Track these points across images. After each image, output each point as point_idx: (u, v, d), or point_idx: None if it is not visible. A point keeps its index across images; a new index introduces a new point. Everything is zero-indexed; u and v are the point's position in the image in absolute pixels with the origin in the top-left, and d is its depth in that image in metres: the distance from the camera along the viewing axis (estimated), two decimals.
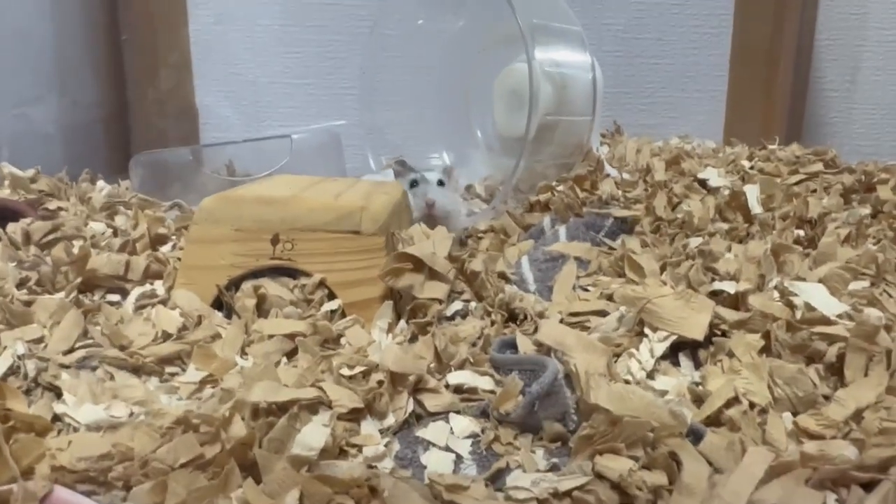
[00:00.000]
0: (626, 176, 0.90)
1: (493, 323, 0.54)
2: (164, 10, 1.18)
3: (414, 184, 0.80)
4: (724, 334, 0.50)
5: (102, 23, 1.16)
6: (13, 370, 0.46)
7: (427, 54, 1.05)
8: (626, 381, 0.47)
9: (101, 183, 0.99)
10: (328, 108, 1.21)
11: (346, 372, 0.42)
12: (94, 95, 1.16)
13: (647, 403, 0.37)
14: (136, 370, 0.47)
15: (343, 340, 0.52)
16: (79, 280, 0.56)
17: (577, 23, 0.88)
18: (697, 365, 0.49)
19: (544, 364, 0.41)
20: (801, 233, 0.66)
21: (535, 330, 0.55)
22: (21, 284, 0.56)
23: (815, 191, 0.78)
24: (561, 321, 0.57)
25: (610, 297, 0.60)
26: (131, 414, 0.41)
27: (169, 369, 0.48)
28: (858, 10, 1.17)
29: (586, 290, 0.63)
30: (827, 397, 0.43)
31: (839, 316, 0.46)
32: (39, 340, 0.49)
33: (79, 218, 0.76)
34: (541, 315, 0.57)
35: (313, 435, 0.37)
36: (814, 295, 0.49)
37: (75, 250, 0.64)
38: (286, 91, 1.20)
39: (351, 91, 1.18)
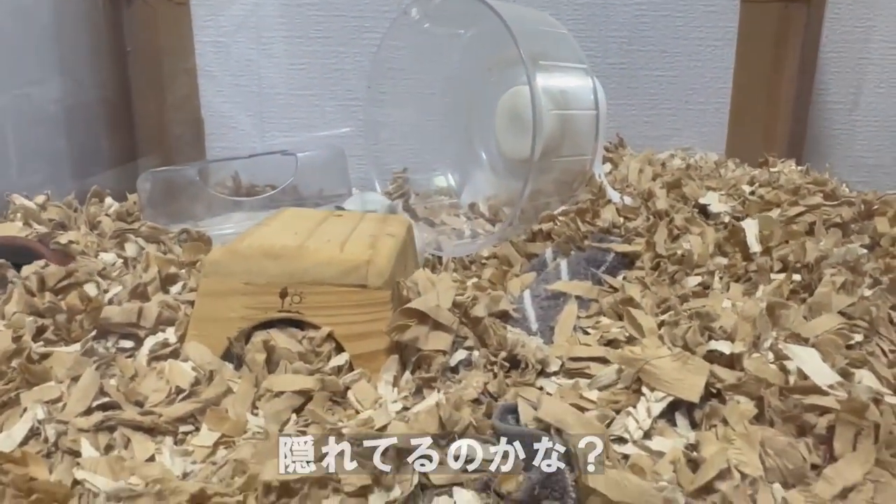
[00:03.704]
0: (628, 200, 0.91)
1: (494, 375, 0.56)
2: (168, 21, 1.18)
3: None
4: (719, 392, 0.52)
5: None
6: (34, 432, 0.48)
7: (434, 70, 1.06)
8: (623, 440, 0.49)
9: (108, 200, 1.00)
10: (333, 117, 1.22)
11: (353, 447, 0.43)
12: (94, 76, 1.16)
13: (643, 492, 0.38)
14: (151, 430, 0.49)
15: (350, 394, 0.54)
16: (93, 333, 0.57)
17: (584, 59, 0.88)
18: (693, 424, 0.51)
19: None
20: (798, 277, 0.67)
21: (539, 374, 0.58)
22: (38, 334, 0.58)
23: (813, 223, 0.79)
24: (562, 366, 0.59)
25: (610, 343, 0.62)
26: (147, 484, 0.43)
27: (183, 428, 0.50)
28: (863, 23, 1.17)
29: (587, 332, 0.64)
30: (816, 466, 0.45)
31: (831, 386, 0.48)
32: (57, 400, 0.51)
33: (90, 249, 0.77)
34: (542, 363, 0.58)
35: None
36: (806, 361, 0.50)
37: (90, 289, 0.67)
38: (291, 101, 1.21)
39: (355, 101, 1.19)
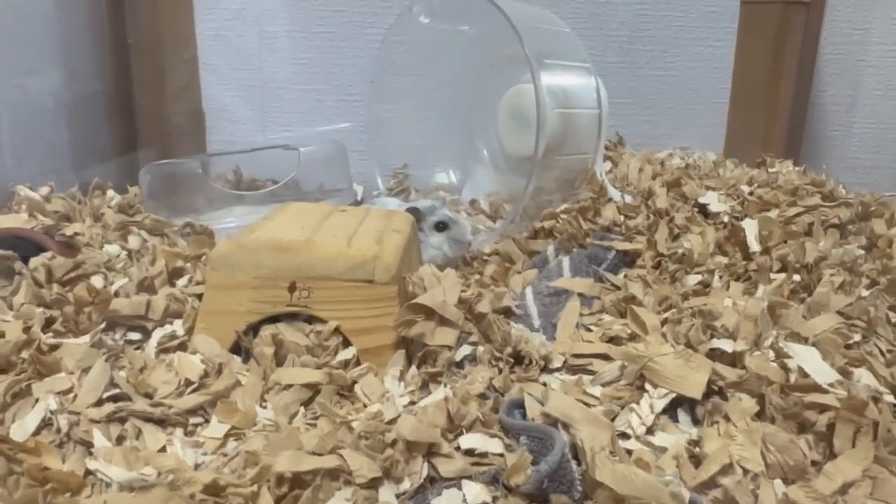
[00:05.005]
0: (628, 199, 0.92)
1: (500, 371, 0.56)
2: (170, 12, 1.18)
3: (441, 226, 0.81)
4: (720, 390, 0.53)
5: None
6: (45, 422, 0.49)
7: (436, 67, 1.06)
8: (626, 435, 0.50)
9: (111, 193, 1.01)
10: (333, 112, 1.23)
11: (363, 440, 0.44)
12: (94, 67, 1.16)
13: (650, 486, 0.39)
14: (162, 422, 0.50)
15: (357, 388, 0.55)
16: (102, 325, 0.58)
17: (587, 58, 0.89)
18: (695, 420, 0.52)
19: (552, 436, 0.43)
20: (798, 277, 0.68)
21: (542, 370, 0.59)
22: (46, 325, 0.59)
23: (811, 224, 0.80)
24: (564, 362, 0.60)
25: (612, 340, 0.62)
26: (159, 474, 0.44)
27: (193, 419, 0.51)
28: (861, 26, 1.18)
29: (589, 329, 0.65)
30: (816, 463, 0.46)
31: (831, 384, 0.49)
32: (68, 391, 0.51)
33: (95, 241, 0.77)
34: (545, 359, 0.59)
35: None
36: (807, 359, 0.51)
37: (96, 280, 0.67)
38: (293, 97, 1.21)
39: (357, 97, 1.20)
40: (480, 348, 0.60)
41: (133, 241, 0.81)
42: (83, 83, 1.13)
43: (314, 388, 0.53)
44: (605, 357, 0.59)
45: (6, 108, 0.97)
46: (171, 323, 0.61)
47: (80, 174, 1.06)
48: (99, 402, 0.50)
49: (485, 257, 0.85)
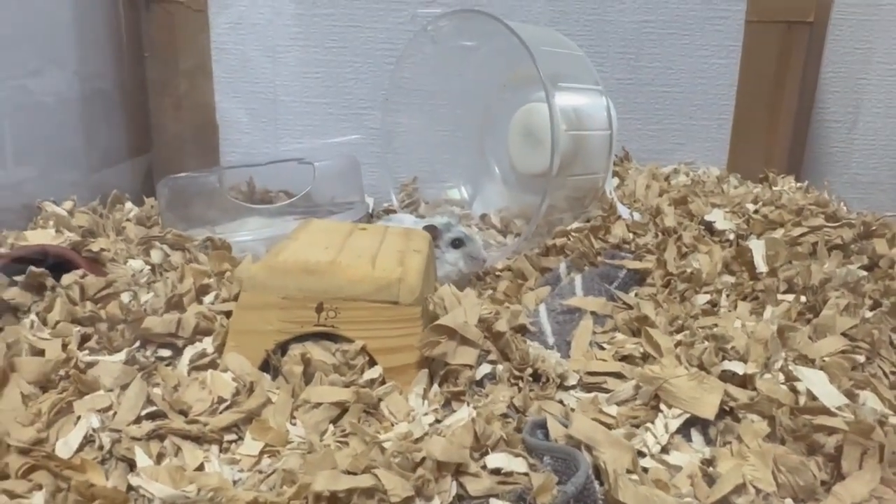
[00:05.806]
0: (636, 216, 0.95)
1: (519, 390, 0.59)
2: (186, 26, 1.20)
3: (457, 243, 0.83)
4: (732, 410, 0.55)
5: None
6: (87, 440, 0.51)
7: (449, 84, 1.09)
8: (642, 453, 0.53)
9: (129, 205, 1.03)
10: (345, 125, 1.25)
11: (396, 459, 0.46)
12: (112, 78, 1.18)
13: None
14: (198, 439, 0.52)
15: (382, 406, 0.57)
16: (136, 344, 0.60)
17: (599, 80, 0.91)
18: (707, 440, 0.54)
19: (575, 457, 0.46)
20: (804, 299, 0.70)
21: (559, 387, 0.61)
22: (81, 342, 0.61)
23: (815, 244, 0.83)
24: (579, 380, 0.62)
25: (625, 358, 0.65)
26: (199, 491, 0.46)
27: (227, 437, 0.53)
28: (863, 45, 1.21)
29: (602, 347, 0.68)
30: (825, 483, 0.49)
31: (839, 407, 0.51)
32: (108, 408, 0.53)
33: (119, 256, 0.79)
34: (561, 377, 0.62)
35: None
36: (815, 383, 0.54)
37: (125, 297, 0.69)
38: (305, 109, 1.23)
39: (368, 110, 1.22)
40: (500, 367, 0.62)
41: (155, 256, 0.83)
42: (97, 88, 1.15)
43: (342, 406, 0.56)
44: (619, 375, 0.62)
45: (18, 109, 0.98)
46: (200, 340, 0.63)
47: (94, 176, 1.08)
48: (138, 420, 0.52)
49: (497, 273, 0.88)
